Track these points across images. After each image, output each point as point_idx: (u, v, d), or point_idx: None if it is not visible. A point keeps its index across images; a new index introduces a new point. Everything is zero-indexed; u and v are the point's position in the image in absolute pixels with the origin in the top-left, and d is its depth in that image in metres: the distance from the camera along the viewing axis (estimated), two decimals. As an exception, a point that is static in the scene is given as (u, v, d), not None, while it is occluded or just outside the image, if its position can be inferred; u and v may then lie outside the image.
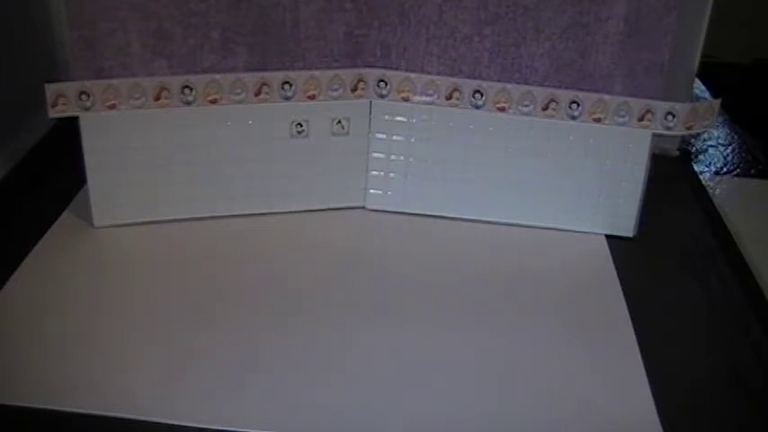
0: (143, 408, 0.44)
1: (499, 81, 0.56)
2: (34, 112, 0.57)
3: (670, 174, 0.66)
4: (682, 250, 0.61)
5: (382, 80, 0.57)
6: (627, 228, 0.59)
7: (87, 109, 0.54)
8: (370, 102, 0.58)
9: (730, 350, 0.52)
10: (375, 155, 0.59)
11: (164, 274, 0.54)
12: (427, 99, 0.57)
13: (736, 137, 0.68)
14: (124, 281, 0.54)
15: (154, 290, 0.53)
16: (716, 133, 0.71)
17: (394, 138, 0.59)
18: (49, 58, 0.65)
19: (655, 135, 0.56)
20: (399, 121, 0.58)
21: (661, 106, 0.55)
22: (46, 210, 0.59)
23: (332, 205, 0.61)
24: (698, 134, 0.64)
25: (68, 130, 0.56)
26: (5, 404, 0.43)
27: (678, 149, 0.66)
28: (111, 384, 0.45)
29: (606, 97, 0.55)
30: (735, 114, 0.74)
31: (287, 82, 0.56)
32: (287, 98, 0.57)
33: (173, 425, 0.43)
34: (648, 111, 0.55)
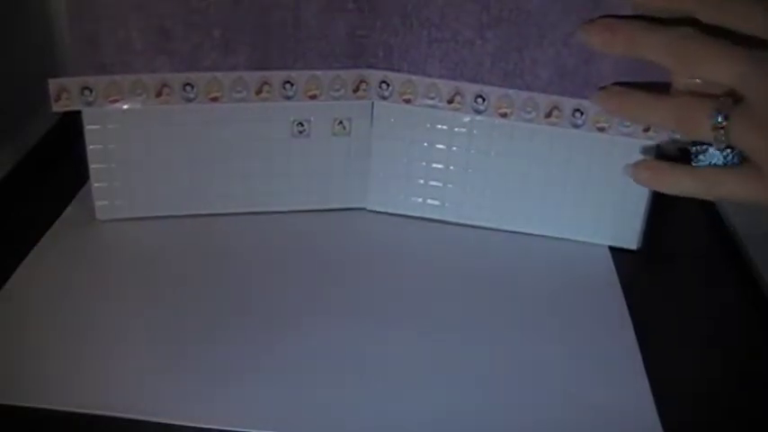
0: (143, 407, 0.44)
1: (501, 86, 0.55)
2: (36, 110, 0.58)
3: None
4: (682, 252, 0.60)
5: (384, 81, 0.56)
6: (630, 240, 0.58)
7: (90, 104, 0.55)
8: (372, 102, 0.57)
9: (732, 353, 0.51)
10: (376, 156, 0.59)
11: (165, 271, 0.54)
12: (429, 102, 0.56)
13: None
14: (127, 277, 0.54)
15: (155, 288, 0.53)
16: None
17: (395, 140, 0.58)
18: (49, 57, 0.66)
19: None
20: (401, 124, 0.58)
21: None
22: (50, 205, 0.59)
23: (332, 206, 0.60)
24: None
25: (71, 127, 0.56)
26: (5, 404, 0.44)
27: (678, 149, 0.65)
28: (110, 384, 0.46)
29: (611, 106, 0.53)
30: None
31: (288, 81, 0.56)
32: (288, 97, 0.57)
33: (172, 425, 0.43)
34: (654, 121, 0.53)
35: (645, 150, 0.54)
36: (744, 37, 0.39)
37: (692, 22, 0.40)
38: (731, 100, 0.39)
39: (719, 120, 0.39)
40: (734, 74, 0.38)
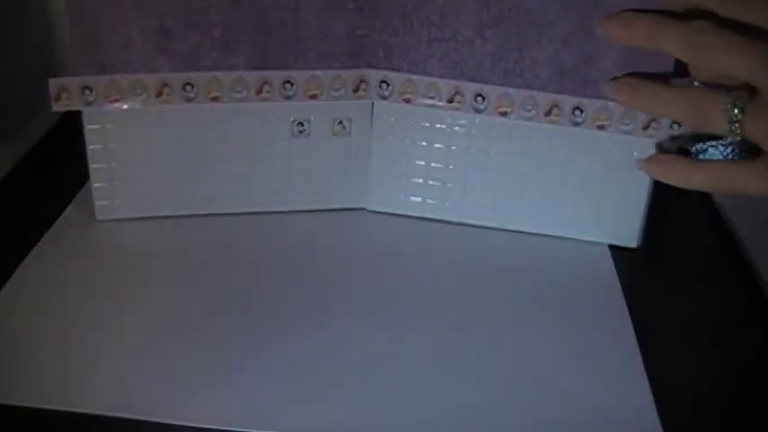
0: (143, 407, 0.44)
1: (501, 85, 0.55)
2: (36, 110, 0.58)
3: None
4: (682, 251, 0.60)
5: (384, 81, 0.56)
6: (630, 238, 0.58)
7: (90, 104, 0.55)
8: (372, 102, 0.57)
9: (732, 353, 0.51)
10: (376, 156, 0.59)
11: (165, 271, 0.54)
12: (428, 102, 0.56)
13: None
14: (126, 277, 0.54)
15: (155, 288, 0.53)
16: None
17: (395, 140, 0.58)
18: (49, 57, 0.66)
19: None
20: (401, 124, 0.58)
21: (668, 115, 0.53)
22: (50, 205, 0.60)
23: (332, 206, 0.60)
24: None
25: (71, 127, 0.56)
26: (5, 404, 0.44)
27: (678, 148, 0.65)
28: (110, 384, 0.46)
29: (610, 104, 0.53)
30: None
31: (288, 81, 0.56)
32: (288, 97, 0.57)
33: (172, 425, 0.43)
34: (654, 119, 0.53)
35: (658, 146, 0.54)
36: (760, 31, 0.38)
37: (709, 16, 0.40)
38: (746, 93, 0.39)
39: (735, 112, 0.39)
40: (749, 67, 0.38)
